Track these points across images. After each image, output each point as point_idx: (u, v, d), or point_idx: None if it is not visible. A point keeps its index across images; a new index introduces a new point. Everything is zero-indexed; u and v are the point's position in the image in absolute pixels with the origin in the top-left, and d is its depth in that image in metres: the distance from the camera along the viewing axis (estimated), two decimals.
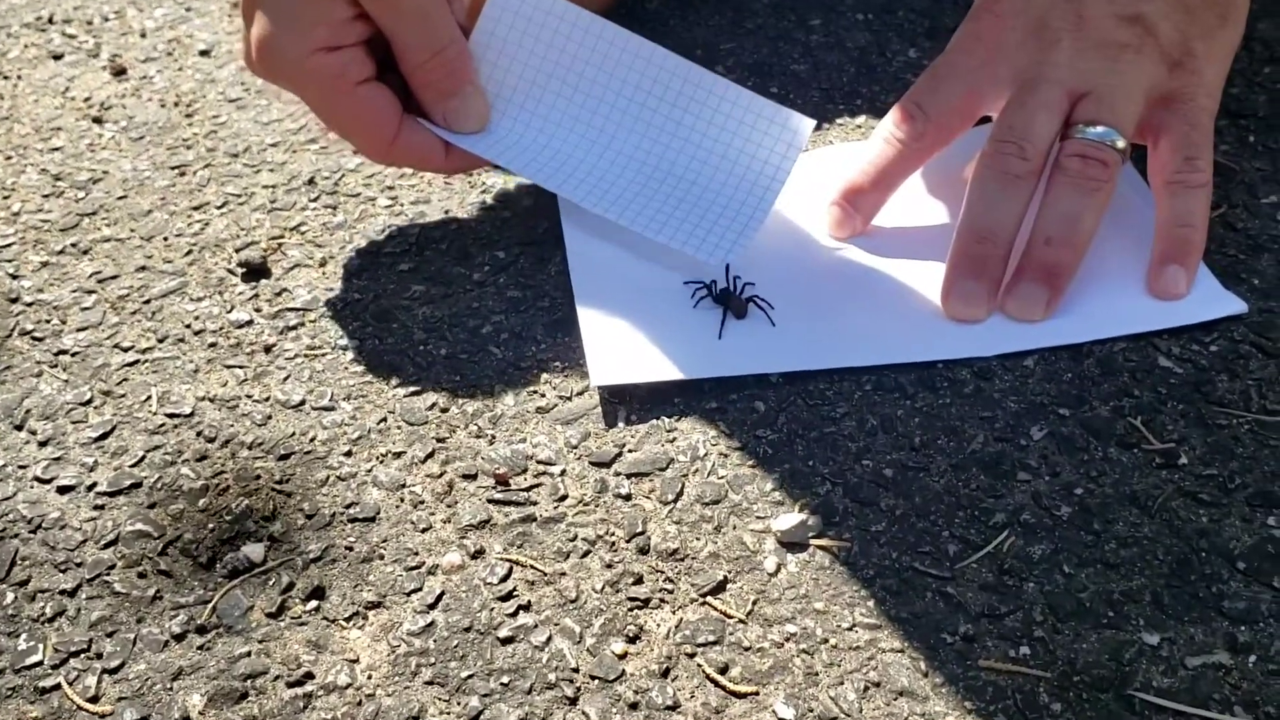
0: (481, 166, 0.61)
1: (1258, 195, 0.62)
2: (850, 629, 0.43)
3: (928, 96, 0.57)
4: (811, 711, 0.41)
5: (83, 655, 0.44)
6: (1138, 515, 0.46)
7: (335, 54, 0.54)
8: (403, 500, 0.49)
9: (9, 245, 0.64)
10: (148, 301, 0.60)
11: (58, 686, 0.43)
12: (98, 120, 0.75)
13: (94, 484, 0.51)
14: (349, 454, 0.51)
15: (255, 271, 0.61)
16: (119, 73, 0.79)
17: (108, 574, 0.47)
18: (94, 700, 0.43)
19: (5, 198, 0.68)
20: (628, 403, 0.53)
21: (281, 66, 0.55)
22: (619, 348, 0.54)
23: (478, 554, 0.47)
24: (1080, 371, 0.52)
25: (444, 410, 0.53)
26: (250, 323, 0.59)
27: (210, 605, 0.46)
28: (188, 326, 0.59)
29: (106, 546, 0.48)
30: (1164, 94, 0.55)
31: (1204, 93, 0.55)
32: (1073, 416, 0.50)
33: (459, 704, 0.42)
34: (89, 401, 0.55)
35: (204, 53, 0.80)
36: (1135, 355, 0.53)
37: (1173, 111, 0.55)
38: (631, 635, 0.43)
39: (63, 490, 0.50)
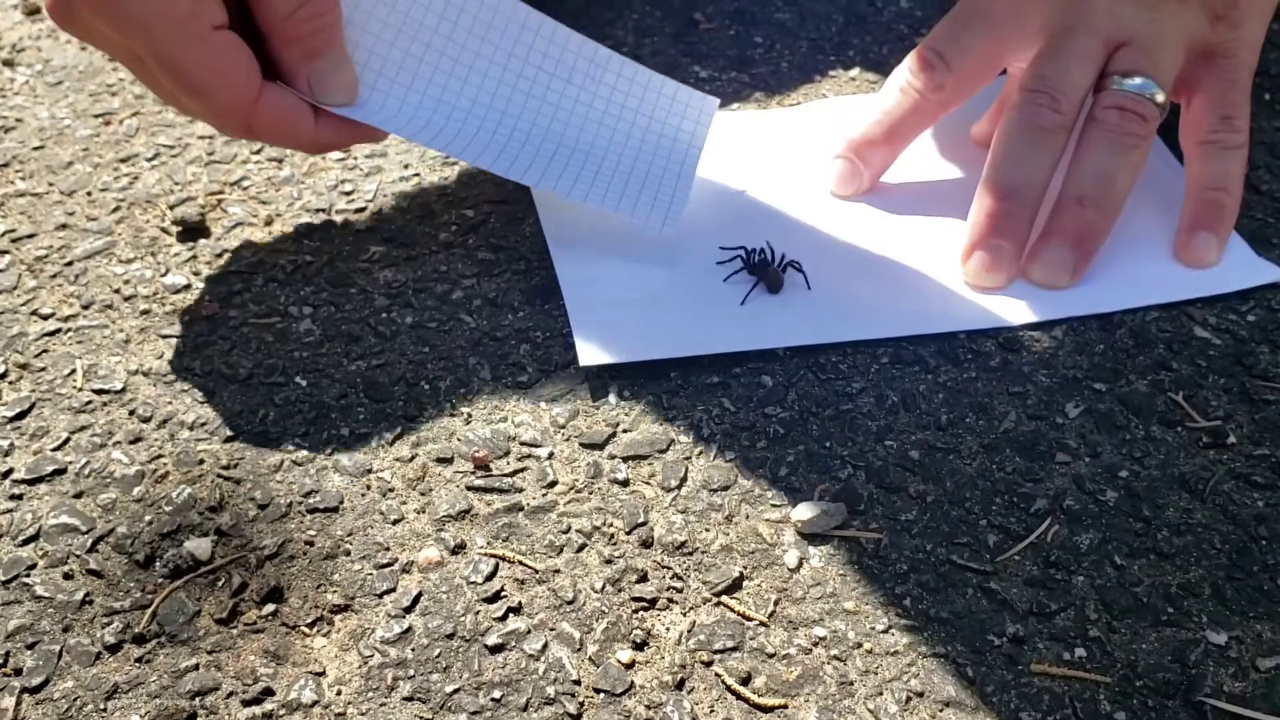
0: (358, 142, 0.52)
1: (1279, 156, 0.58)
2: (885, 631, 0.38)
3: (950, 44, 0.52)
4: None
5: None
6: (1189, 500, 0.42)
7: None
8: (369, 488, 0.43)
9: None
10: (70, 264, 0.53)
11: None
12: (8, 64, 0.67)
13: (9, 470, 0.44)
14: (305, 435, 0.45)
15: (192, 231, 0.55)
16: (32, 12, 0.71)
17: (27, 575, 0.41)
18: None
19: None
20: (619, 378, 0.47)
21: (121, 6, 0.44)
22: (608, 324, 0.49)
23: (458, 549, 0.41)
24: (1113, 343, 0.48)
25: (412, 385, 0.47)
26: (188, 287, 0.52)
27: (150, 610, 0.39)
28: (116, 291, 0.52)
29: (25, 543, 0.42)
30: (1204, 48, 0.51)
31: (1245, 48, 0.51)
32: (1110, 392, 0.46)
33: None
34: (3, 376, 0.48)
35: None
36: (1169, 325, 0.49)
37: (1212, 67, 0.51)
38: (639, 641, 0.38)
39: None
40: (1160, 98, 0.49)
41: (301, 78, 0.49)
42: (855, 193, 0.55)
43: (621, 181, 0.52)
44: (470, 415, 0.46)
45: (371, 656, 0.38)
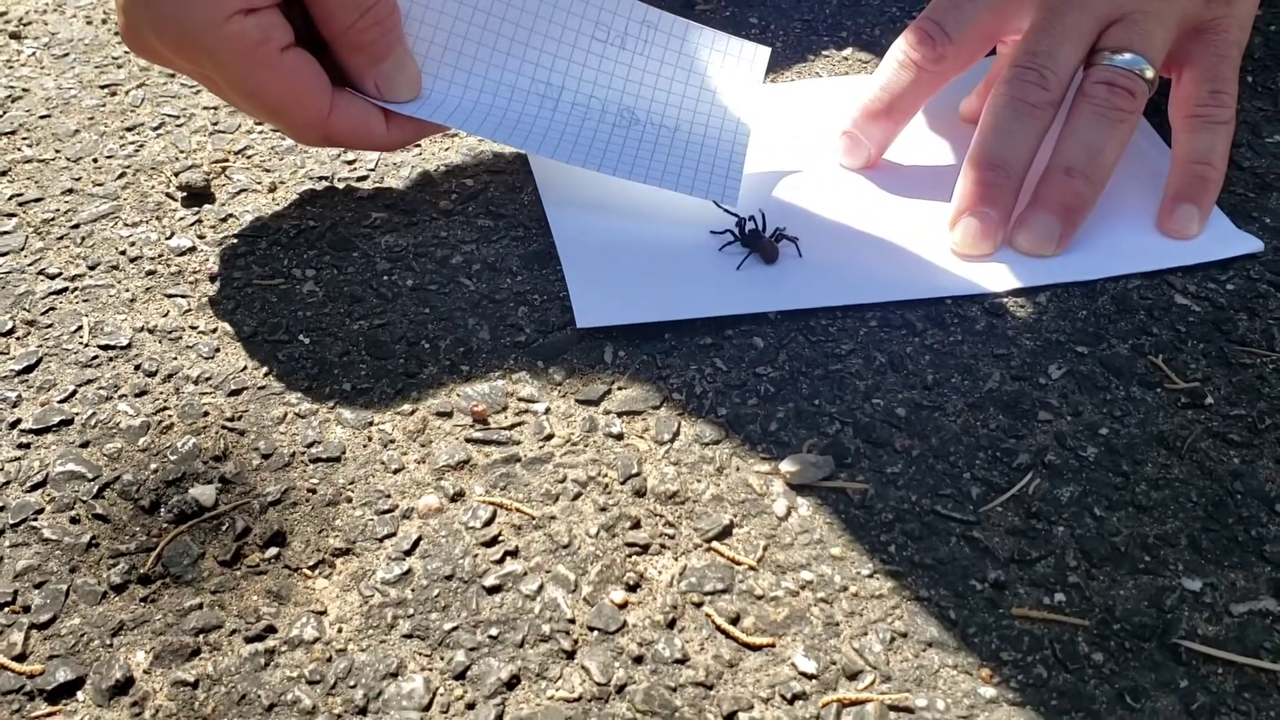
0: (428, 135, 0.55)
1: (1261, 134, 0.59)
2: (871, 576, 0.39)
3: (949, 15, 0.53)
4: (834, 664, 0.37)
5: (7, 609, 0.39)
6: (1166, 456, 0.43)
7: (254, 17, 0.45)
8: (370, 439, 0.44)
9: None
10: (76, 226, 0.54)
11: None
12: (15, 36, 0.68)
13: (17, 420, 0.45)
14: (308, 389, 0.46)
15: (197, 196, 0.56)
16: None
17: (35, 519, 0.42)
18: (21, 659, 0.38)
19: None
20: (614, 338, 0.48)
21: (191, 36, 0.45)
22: (605, 287, 0.50)
23: (457, 496, 0.42)
24: (1095, 309, 0.49)
25: (412, 344, 0.48)
26: (193, 249, 0.53)
27: (155, 553, 0.41)
28: (122, 253, 0.53)
29: (33, 489, 0.43)
30: (1197, 24, 0.52)
31: (1237, 25, 0.52)
32: (1091, 354, 0.47)
33: (442, 659, 0.37)
34: (10, 332, 0.49)
35: None
36: (1150, 293, 0.50)
37: (1203, 42, 0.52)
38: (631, 583, 0.39)
39: None
40: (1149, 74, 0.50)
41: (369, 81, 0.50)
42: (862, 165, 0.56)
43: (679, 155, 0.54)
44: (469, 372, 0.47)
45: (372, 596, 0.39)
